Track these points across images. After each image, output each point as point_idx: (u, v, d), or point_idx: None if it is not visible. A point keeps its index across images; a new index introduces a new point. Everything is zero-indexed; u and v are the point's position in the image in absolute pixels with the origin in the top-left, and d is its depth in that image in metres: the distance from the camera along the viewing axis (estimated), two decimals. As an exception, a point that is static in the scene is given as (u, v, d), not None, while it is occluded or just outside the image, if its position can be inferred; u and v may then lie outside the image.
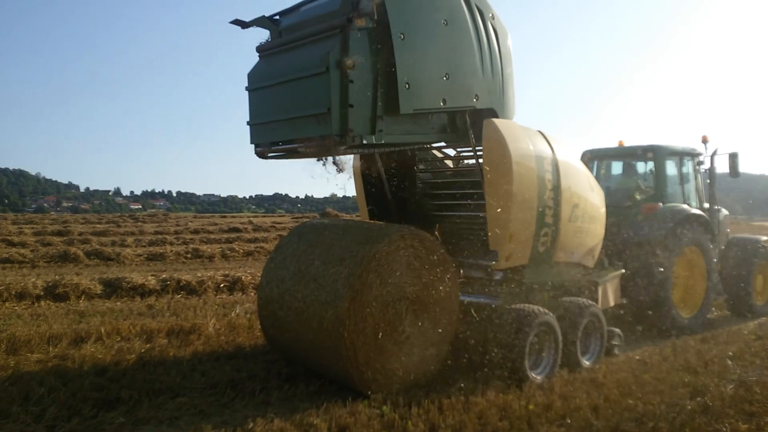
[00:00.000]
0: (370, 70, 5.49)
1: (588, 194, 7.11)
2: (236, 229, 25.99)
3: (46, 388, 5.25)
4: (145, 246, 19.72)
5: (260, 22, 6.26)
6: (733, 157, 9.81)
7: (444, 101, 5.97)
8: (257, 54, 6.42)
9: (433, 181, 7.70)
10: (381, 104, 5.59)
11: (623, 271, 8.24)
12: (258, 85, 6.24)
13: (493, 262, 6.22)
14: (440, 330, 5.99)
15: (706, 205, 9.99)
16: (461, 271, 6.75)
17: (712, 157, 10.05)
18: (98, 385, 5.42)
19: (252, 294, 11.26)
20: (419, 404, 5.10)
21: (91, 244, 18.61)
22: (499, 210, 6.05)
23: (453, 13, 6.08)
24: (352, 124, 5.36)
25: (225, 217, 40.48)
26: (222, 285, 11.49)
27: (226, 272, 12.38)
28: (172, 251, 17.91)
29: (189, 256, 17.63)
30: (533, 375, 5.99)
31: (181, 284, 11.20)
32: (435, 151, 7.71)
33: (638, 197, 9.39)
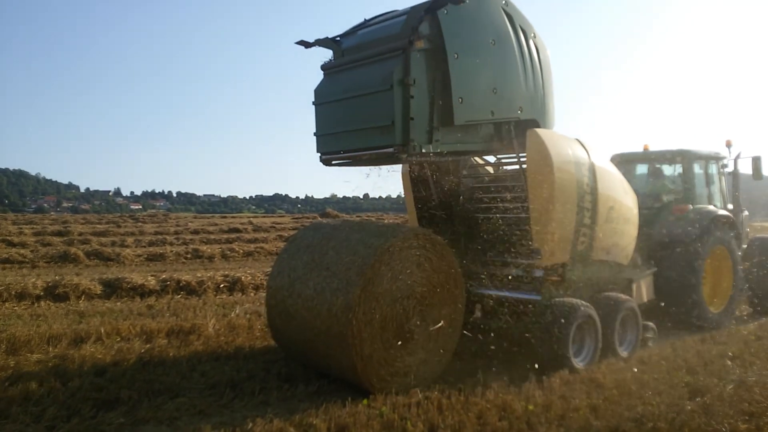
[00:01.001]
0: (427, 87, 6.11)
1: (622, 197, 7.59)
2: (236, 230, 26.01)
3: (45, 388, 5.26)
4: (145, 246, 19.74)
5: (324, 43, 6.96)
6: (756, 160, 10.18)
7: (492, 113, 6.61)
8: (322, 72, 7.04)
9: (475, 185, 8.13)
10: (437, 116, 6.20)
11: (656, 269, 8.70)
12: (324, 100, 6.86)
13: (537, 260, 6.73)
14: (444, 337, 6.05)
15: (730, 206, 10.30)
16: (501, 269, 7.42)
17: (735, 160, 10.46)
18: (98, 385, 5.42)
19: (252, 294, 11.27)
20: (418, 404, 5.11)
21: (91, 245, 18.63)
22: (541, 212, 6.56)
23: (500, 34, 6.73)
24: (413, 135, 5.99)
25: (225, 217, 40.56)
26: (222, 285, 11.50)
27: (226, 273, 12.38)
28: (172, 252, 17.93)
29: (189, 256, 17.66)
30: (576, 362, 6.45)
31: (181, 285, 11.21)
32: (477, 158, 8.22)
33: (666, 199, 9.81)
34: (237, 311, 9.15)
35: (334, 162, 7.02)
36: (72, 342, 7.01)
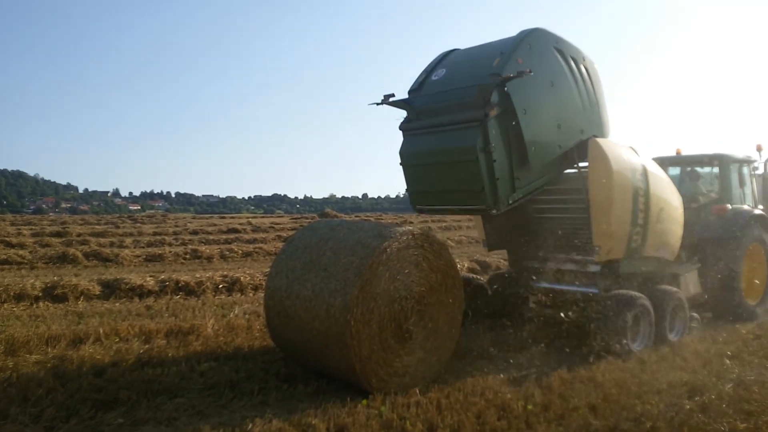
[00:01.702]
0: (504, 145, 6.92)
1: (671, 199, 8.38)
2: (235, 230, 25.98)
3: (44, 389, 5.25)
4: (143, 247, 19.71)
5: (396, 103, 7.68)
6: None
7: (559, 146, 7.50)
8: (401, 132, 7.76)
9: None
10: (515, 167, 7.06)
11: (699, 264, 9.45)
12: (412, 162, 7.65)
13: (596, 256, 7.47)
14: (443, 336, 6.06)
15: (761, 207, 10.96)
16: (557, 265, 8.24)
17: (765, 163, 11.47)
18: (97, 385, 5.42)
19: (251, 295, 11.26)
20: (417, 404, 5.11)
21: (89, 245, 18.58)
22: (601, 213, 7.35)
23: (556, 73, 7.43)
24: (500, 193, 6.89)
25: (224, 217, 40.53)
26: (221, 286, 11.49)
27: (225, 273, 12.37)
28: (170, 252, 17.89)
29: (188, 256, 17.62)
30: (633, 347, 7.13)
31: (180, 285, 11.19)
32: None
33: (702, 200, 10.40)
34: (236, 312, 9.14)
35: (426, 211, 8.14)
36: (71, 343, 7.00)
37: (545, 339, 7.44)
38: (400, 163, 7.75)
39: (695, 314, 8.58)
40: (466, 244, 24.70)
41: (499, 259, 16.92)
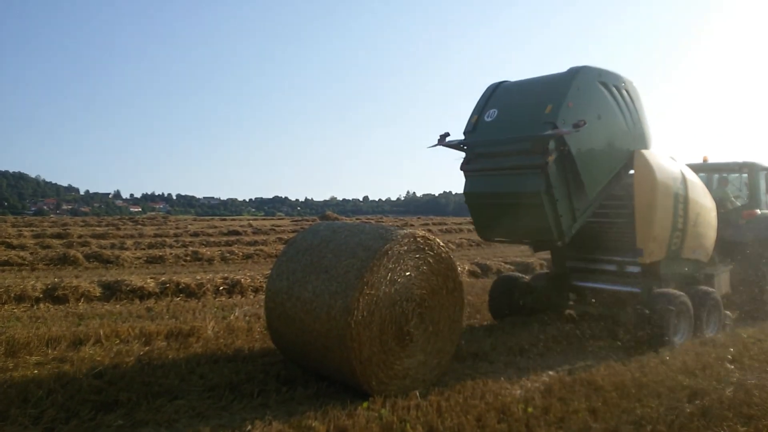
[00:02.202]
0: (563, 184, 7.57)
1: (706, 204, 9.09)
2: (236, 232, 26.04)
3: (44, 390, 5.25)
4: (144, 249, 19.72)
5: (452, 145, 8.33)
6: None
7: (611, 169, 8.15)
8: (462, 172, 8.36)
9: None
10: (574, 199, 7.72)
11: (732, 266, 10.11)
12: (477, 201, 8.31)
13: (639, 258, 8.11)
14: (443, 339, 6.06)
15: None
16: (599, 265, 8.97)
17: None
18: (97, 387, 5.41)
19: (251, 297, 11.27)
20: (418, 407, 5.11)
21: (90, 247, 18.61)
22: (645, 218, 8.02)
23: (602, 106, 7.97)
24: (564, 227, 7.62)
25: (225, 219, 40.60)
26: (221, 288, 11.49)
27: (226, 275, 12.37)
28: (171, 254, 17.90)
29: (188, 258, 17.63)
30: (675, 340, 7.75)
31: (181, 287, 11.19)
32: None
33: (729, 205, 10.95)
34: (236, 314, 9.14)
35: (493, 240, 9.03)
36: (71, 344, 7.00)
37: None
38: (465, 201, 8.44)
39: (728, 312, 9.23)
40: (467, 247, 24.72)
41: (499, 262, 16.93)
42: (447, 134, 8.37)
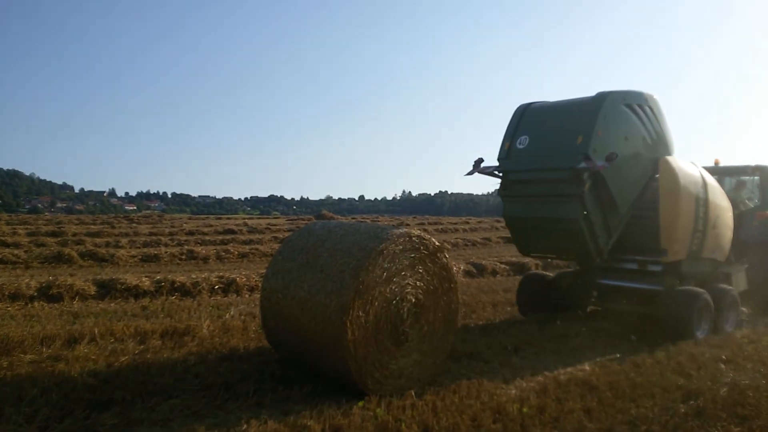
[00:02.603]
0: (598, 207, 8.14)
1: (724, 206, 9.60)
2: (231, 231, 25.97)
3: (38, 388, 5.22)
4: (139, 247, 19.67)
5: (487, 172, 8.84)
6: None
7: (639, 182, 8.76)
8: (500, 197, 8.95)
9: None
10: (609, 217, 8.28)
11: (747, 265, 10.53)
12: (517, 224, 8.95)
13: (663, 257, 8.65)
14: (439, 338, 6.06)
15: None
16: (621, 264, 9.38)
17: None
18: (91, 386, 5.39)
19: (247, 296, 11.25)
20: (413, 406, 5.11)
21: (85, 245, 18.54)
22: (670, 220, 8.56)
23: (629, 127, 8.45)
24: (601, 245, 8.29)
25: (220, 218, 40.53)
26: (216, 287, 11.47)
27: (221, 274, 12.35)
28: (166, 253, 17.86)
29: (183, 257, 17.59)
30: (697, 334, 8.30)
31: (176, 286, 11.16)
32: None
33: (742, 207, 11.28)
34: (232, 313, 9.13)
35: (534, 256, 10.08)
36: (65, 343, 6.97)
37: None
38: (507, 225, 9.12)
39: (744, 309, 9.76)
40: (463, 246, 24.73)
41: (495, 262, 16.95)
42: (481, 160, 8.95)
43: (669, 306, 8.35)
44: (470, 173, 8.99)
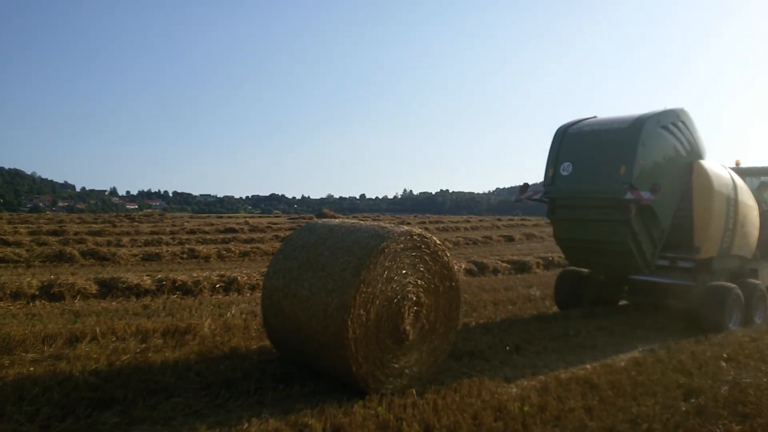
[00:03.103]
0: (644, 226, 8.74)
1: (751, 205, 10.35)
2: (232, 230, 25.96)
3: (40, 387, 5.23)
4: (140, 246, 19.68)
5: (536, 199, 9.60)
6: None
7: (678, 191, 9.31)
8: (549, 219, 9.68)
9: None
10: (653, 231, 8.90)
11: None
12: (567, 244, 9.74)
13: (697, 255, 9.27)
14: (439, 337, 6.06)
15: None
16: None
17: None
18: (93, 384, 5.40)
19: (248, 294, 11.26)
20: (414, 405, 5.11)
21: (86, 244, 18.56)
22: (703, 220, 9.20)
23: (666, 147, 9.02)
24: (649, 259, 8.98)
25: (221, 217, 40.47)
26: (218, 285, 11.48)
27: (222, 273, 12.36)
28: (167, 251, 17.87)
29: (185, 256, 17.60)
30: (729, 326, 9.02)
31: (177, 284, 11.18)
32: None
33: (764, 206, 11.76)
34: (233, 311, 9.13)
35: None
36: (67, 341, 6.98)
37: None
38: (558, 244, 9.92)
39: None
40: (464, 245, 24.72)
41: (496, 260, 16.93)
42: (527, 185, 9.70)
43: (704, 300, 9.03)
44: (518, 200, 9.89)
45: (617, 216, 8.49)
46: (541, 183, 9.58)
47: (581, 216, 9.05)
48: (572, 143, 9.26)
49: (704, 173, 9.29)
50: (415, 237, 5.77)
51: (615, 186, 8.37)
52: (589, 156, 8.99)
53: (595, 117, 9.85)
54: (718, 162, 9.99)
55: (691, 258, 9.36)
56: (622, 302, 11.21)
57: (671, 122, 9.09)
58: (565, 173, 9.12)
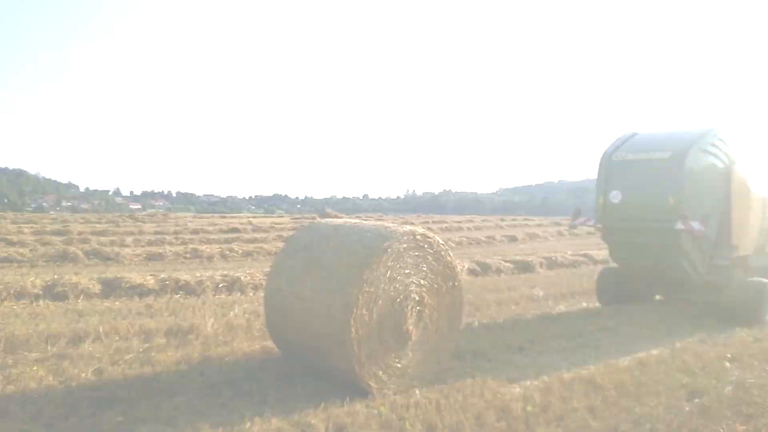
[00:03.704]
0: (695, 244, 9.38)
1: None
2: (235, 230, 25.98)
3: (43, 387, 5.26)
4: (144, 246, 19.70)
5: (589, 225, 10.92)
6: None
7: (718, 203, 9.78)
8: (603, 241, 10.92)
9: None
10: (702, 245, 9.55)
11: None
12: (625, 262, 10.73)
13: (734, 252, 9.82)
14: (442, 337, 6.05)
15: None
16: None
17: None
18: (96, 384, 5.42)
19: (251, 294, 11.26)
20: (417, 404, 5.11)
21: (90, 244, 18.57)
22: (741, 220, 9.79)
23: (708, 169, 9.61)
24: (699, 269, 9.69)
25: (224, 217, 40.45)
26: (221, 285, 11.48)
27: (225, 272, 12.36)
28: (171, 251, 17.89)
29: (188, 256, 17.62)
30: (766, 319, 9.45)
31: (180, 284, 11.18)
32: None
33: None
34: (236, 311, 9.14)
35: None
36: (70, 341, 6.99)
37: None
38: (614, 262, 10.87)
39: None
40: (467, 245, 24.71)
41: (499, 260, 16.91)
42: (579, 211, 10.72)
43: (741, 295, 9.50)
44: (573, 227, 11.11)
45: (670, 240, 9.22)
46: (591, 209, 10.58)
47: (635, 240, 9.83)
48: (619, 172, 10.02)
49: (742, 179, 9.90)
50: (418, 237, 5.76)
51: (664, 214, 9.14)
52: (636, 186, 9.79)
53: (635, 134, 10.56)
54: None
55: (728, 256, 9.83)
56: (658, 297, 11.73)
57: (710, 143, 9.65)
58: (615, 201, 9.94)
